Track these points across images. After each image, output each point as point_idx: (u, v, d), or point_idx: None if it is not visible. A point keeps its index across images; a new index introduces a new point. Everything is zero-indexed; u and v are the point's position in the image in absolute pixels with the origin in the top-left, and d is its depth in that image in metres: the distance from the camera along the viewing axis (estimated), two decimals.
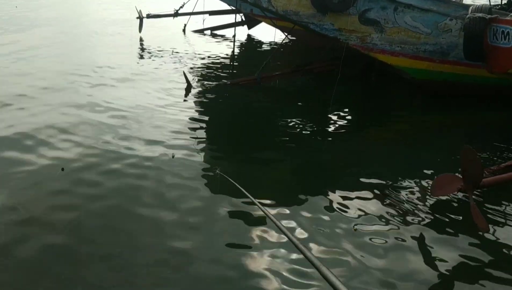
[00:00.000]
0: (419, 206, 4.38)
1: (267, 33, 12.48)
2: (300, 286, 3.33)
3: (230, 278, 3.40)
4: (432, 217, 4.23)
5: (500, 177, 4.25)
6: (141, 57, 10.62)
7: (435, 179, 4.16)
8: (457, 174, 4.29)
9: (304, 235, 3.91)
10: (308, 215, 4.21)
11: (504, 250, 3.89)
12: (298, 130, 6.56)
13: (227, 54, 10.97)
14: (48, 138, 5.71)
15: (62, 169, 4.87)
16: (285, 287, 3.32)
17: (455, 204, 4.43)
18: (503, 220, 4.24)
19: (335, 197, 4.56)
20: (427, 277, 3.51)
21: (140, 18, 12.79)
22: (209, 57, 10.64)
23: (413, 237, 3.94)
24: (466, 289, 3.47)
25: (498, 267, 3.66)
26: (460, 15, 7.24)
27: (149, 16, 13.03)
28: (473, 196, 4.05)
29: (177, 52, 10.99)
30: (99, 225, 3.99)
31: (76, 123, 6.19)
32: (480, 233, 3.92)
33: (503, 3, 8.77)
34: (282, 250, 3.68)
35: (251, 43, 12.83)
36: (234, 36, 9.65)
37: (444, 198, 4.40)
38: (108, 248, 3.71)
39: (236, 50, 11.33)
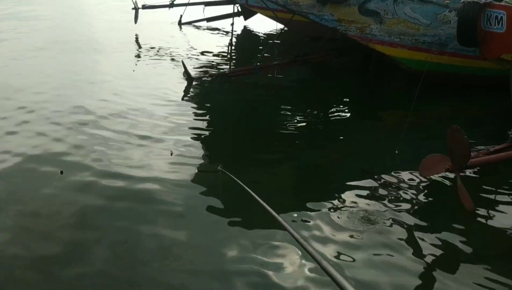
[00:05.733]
0: (414, 192, 4.74)
1: (264, 24, 12.89)
2: (302, 282, 3.55)
3: (230, 275, 3.62)
4: (424, 200, 4.64)
5: (487, 158, 4.65)
6: (137, 49, 11.04)
7: (423, 160, 4.50)
8: None
9: (306, 232, 4.11)
10: (309, 213, 4.44)
11: (490, 231, 4.26)
12: (298, 125, 6.88)
13: (224, 45, 11.43)
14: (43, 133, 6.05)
15: (61, 172, 4.98)
16: (286, 283, 3.53)
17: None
18: (491, 201, 4.67)
19: (335, 193, 4.79)
20: (419, 268, 3.79)
21: (136, 8, 13.23)
22: (205, 48, 11.07)
23: (408, 228, 4.23)
24: (454, 271, 3.77)
25: (486, 248, 4.03)
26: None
27: (144, 7, 13.48)
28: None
29: (173, 44, 11.43)
30: (100, 224, 4.27)
31: (69, 121, 6.43)
32: (467, 212, 4.31)
33: None
34: (285, 246, 3.88)
35: (247, 34, 13.28)
36: (232, 26, 10.07)
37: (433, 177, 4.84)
38: (112, 238, 4.05)
39: (233, 41, 11.76)
